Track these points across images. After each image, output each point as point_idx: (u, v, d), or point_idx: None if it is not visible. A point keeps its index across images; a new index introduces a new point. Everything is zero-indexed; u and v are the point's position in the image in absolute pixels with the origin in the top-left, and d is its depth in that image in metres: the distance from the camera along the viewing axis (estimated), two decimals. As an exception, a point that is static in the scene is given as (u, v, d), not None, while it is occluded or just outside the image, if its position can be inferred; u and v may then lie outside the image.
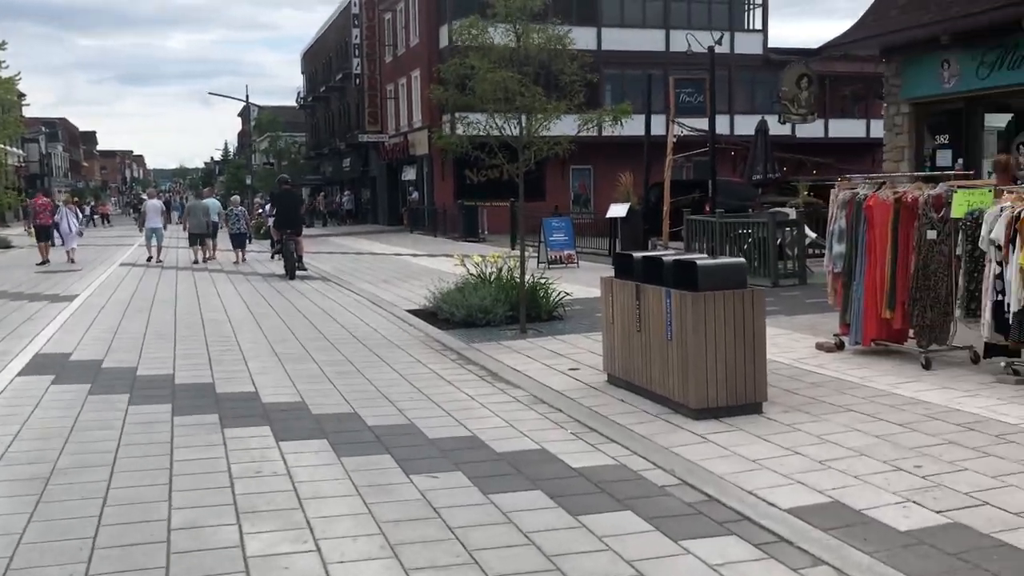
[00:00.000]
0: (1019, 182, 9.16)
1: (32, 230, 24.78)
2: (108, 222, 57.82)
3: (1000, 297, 7.03)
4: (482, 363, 8.55)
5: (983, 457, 5.22)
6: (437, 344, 9.71)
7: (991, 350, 7.30)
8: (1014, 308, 6.89)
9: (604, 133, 10.49)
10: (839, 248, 8.62)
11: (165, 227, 24.78)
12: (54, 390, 7.69)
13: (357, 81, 45.76)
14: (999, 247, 7.00)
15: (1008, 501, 4.51)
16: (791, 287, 13.58)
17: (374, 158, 47.21)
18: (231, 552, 4.14)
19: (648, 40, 36.81)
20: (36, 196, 26.64)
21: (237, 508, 4.69)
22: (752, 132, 24.11)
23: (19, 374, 8.43)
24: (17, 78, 34.97)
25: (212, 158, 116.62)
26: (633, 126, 12.35)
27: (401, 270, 19.43)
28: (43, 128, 76.55)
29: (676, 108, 17.54)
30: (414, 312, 12.05)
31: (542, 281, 11.33)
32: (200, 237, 22.97)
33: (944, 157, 13.52)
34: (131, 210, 71.38)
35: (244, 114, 73.23)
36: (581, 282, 15.01)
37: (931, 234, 7.70)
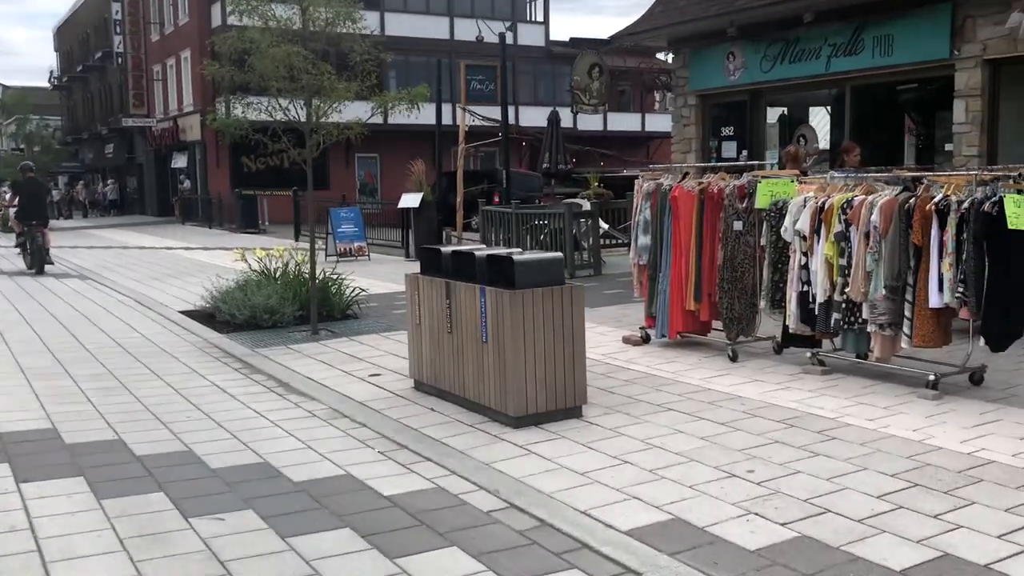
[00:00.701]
0: (808, 172, 9.36)
1: None
2: None
3: (805, 288, 7.02)
4: (270, 371, 7.66)
5: (812, 457, 5.04)
6: (217, 351, 8.69)
7: (790, 340, 7.30)
8: (820, 299, 6.89)
9: (390, 120, 9.81)
10: (644, 240, 8.42)
11: None
12: None
13: (119, 60, 42.20)
14: (804, 237, 6.98)
15: (848, 507, 4.30)
16: (587, 278, 13.49)
17: (140, 144, 43.80)
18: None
19: (433, 27, 36.22)
20: None
21: (-42, 582, 3.68)
22: (535, 123, 24.26)
23: None
24: None
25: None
26: (420, 114, 11.87)
27: (173, 265, 17.83)
28: None
29: (467, 95, 17.08)
30: (188, 313, 10.86)
31: (334, 276, 10.50)
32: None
33: (729, 148, 13.89)
34: None
35: (-12, 94, 66.06)
36: (375, 276, 14.27)
37: (737, 225, 7.62)
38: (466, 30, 33.86)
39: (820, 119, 14.46)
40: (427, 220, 17.14)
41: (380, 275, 14.59)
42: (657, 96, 41.67)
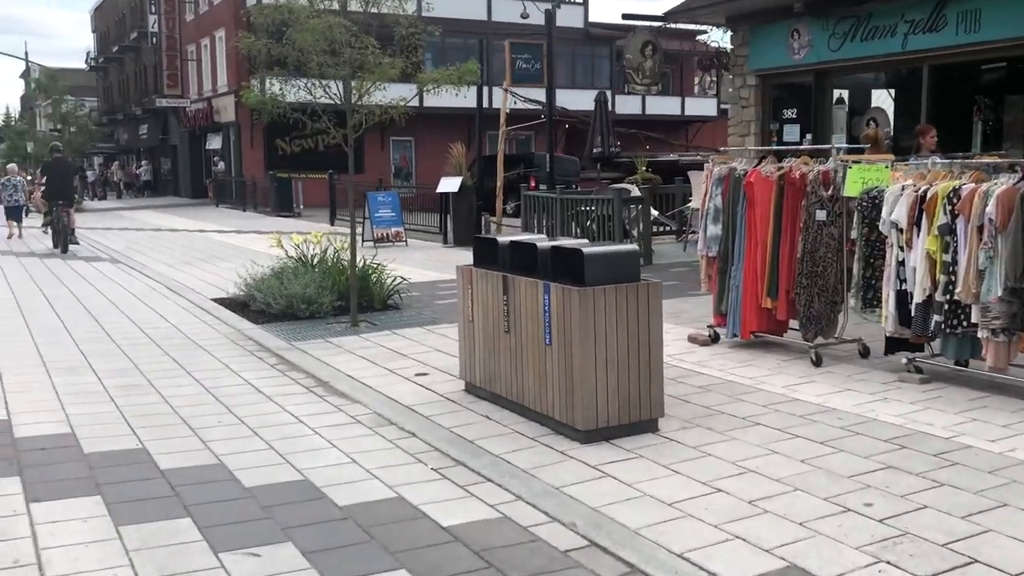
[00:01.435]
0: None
1: None
2: None
3: (903, 286, 6.29)
4: (308, 368, 7.06)
5: (936, 488, 4.34)
6: (251, 343, 8.11)
7: (895, 345, 6.54)
8: (917, 298, 6.16)
9: (425, 103, 9.16)
10: (714, 229, 7.70)
11: None
12: None
13: (154, 40, 41.88)
14: (900, 230, 6.25)
15: (999, 556, 3.59)
16: (638, 268, 12.76)
17: (175, 125, 43.50)
18: None
19: (469, 7, 35.45)
20: None
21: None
22: (573, 107, 23.49)
23: None
24: None
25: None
26: (460, 95, 11.30)
27: (206, 249, 17.33)
28: None
29: (511, 75, 16.37)
30: (221, 301, 10.31)
31: (374, 265, 9.89)
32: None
33: (792, 132, 13.07)
34: None
35: (27, 76, 66.40)
36: (414, 263, 13.66)
37: (820, 214, 6.89)
38: (504, 10, 33.04)
39: (882, 103, 13.61)
40: (467, 205, 16.48)
41: (419, 262, 13.98)
42: (696, 79, 40.62)
